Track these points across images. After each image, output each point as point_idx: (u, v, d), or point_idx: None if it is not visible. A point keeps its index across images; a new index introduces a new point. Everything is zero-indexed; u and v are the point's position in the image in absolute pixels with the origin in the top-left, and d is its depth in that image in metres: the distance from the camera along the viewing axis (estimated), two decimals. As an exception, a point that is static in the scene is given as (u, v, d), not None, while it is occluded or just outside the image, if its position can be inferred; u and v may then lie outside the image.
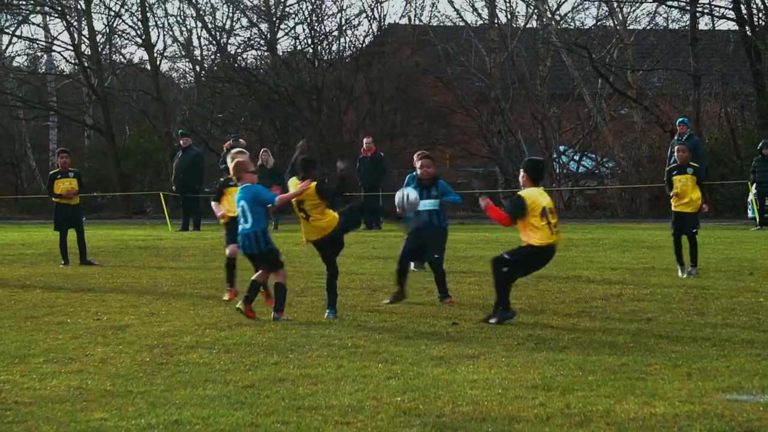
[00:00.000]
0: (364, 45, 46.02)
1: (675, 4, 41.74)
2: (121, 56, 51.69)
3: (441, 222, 14.54)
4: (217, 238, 26.36)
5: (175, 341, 11.37)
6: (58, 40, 56.72)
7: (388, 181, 31.46)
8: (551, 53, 43.68)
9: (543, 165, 13.35)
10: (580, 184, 42.24)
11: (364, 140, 31.16)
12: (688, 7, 39.93)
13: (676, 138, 29.63)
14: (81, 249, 20.83)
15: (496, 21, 45.20)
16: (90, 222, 32.26)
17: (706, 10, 40.82)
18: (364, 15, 48.87)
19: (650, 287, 15.73)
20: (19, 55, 61.49)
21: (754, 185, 29.36)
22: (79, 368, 9.94)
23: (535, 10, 44.62)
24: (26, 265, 20.66)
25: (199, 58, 50.84)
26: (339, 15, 47.17)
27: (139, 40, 47.49)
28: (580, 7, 59.24)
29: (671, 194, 17.27)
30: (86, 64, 46.94)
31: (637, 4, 43.05)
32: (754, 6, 38.98)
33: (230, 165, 14.51)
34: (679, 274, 17.03)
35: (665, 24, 44.57)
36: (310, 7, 46.02)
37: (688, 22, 40.80)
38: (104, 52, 48.64)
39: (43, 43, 50.83)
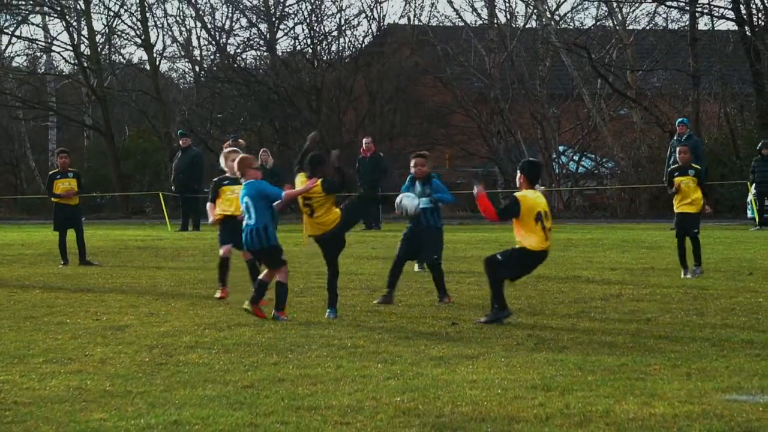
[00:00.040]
0: (363, 45, 46.05)
1: (674, 4, 41.78)
2: (120, 56, 51.77)
3: (435, 222, 14.52)
4: (216, 238, 26.34)
5: (174, 341, 11.36)
6: (58, 40, 57.00)
7: (387, 181, 31.48)
8: (550, 53, 43.68)
9: (540, 166, 13.34)
10: (579, 185, 42.25)
11: (364, 140, 31.16)
12: (688, 7, 39.94)
13: (675, 138, 29.64)
14: (80, 249, 20.82)
15: (495, 21, 45.21)
16: (89, 222, 32.26)
17: (705, 10, 40.86)
18: (363, 15, 48.87)
19: (649, 287, 15.73)
20: (18, 55, 61.64)
21: (754, 185, 29.36)
22: (79, 368, 9.93)
23: (535, 10, 44.63)
24: (25, 265, 20.66)
25: (198, 58, 50.88)
26: (338, 15, 47.15)
27: (139, 41, 47.51)
28: (580, 7, 59.27)
29: (673, 190, 17.24)
30: (86, 65, 46.95)
31: (637, 4, 43.09)
32: (754, 6, 39.02)
33: (223, 164, 14.52)
34: (682, 275, 17.02)
35: (665, 24, 44.66)
36: (309, 8, 46.08)
37: (687, 23, 40.82)
38: (104, 53, 48.67)
39: (43, 44, 50.86)
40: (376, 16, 46.81)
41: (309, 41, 46.16)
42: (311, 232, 13.31)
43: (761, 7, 39.24)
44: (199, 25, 49.57)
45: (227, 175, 14.71)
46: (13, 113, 49.96)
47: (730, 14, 39.28)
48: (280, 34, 47.73)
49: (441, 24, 47.63)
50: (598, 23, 45.49)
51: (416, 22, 46.64)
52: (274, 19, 47.32)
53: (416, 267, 17.61)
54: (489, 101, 43.32)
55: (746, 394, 8.54)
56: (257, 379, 9.32)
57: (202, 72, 50.23)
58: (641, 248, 22.68)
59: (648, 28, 44.82)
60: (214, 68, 48.89)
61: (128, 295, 15.62)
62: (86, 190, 25.15)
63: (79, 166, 38.31)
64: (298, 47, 46.64)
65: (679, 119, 30.64)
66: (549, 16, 44.64)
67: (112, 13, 48.16)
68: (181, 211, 32.09)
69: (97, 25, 49.63)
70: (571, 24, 46.21)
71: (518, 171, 12.73)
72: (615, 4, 43.26)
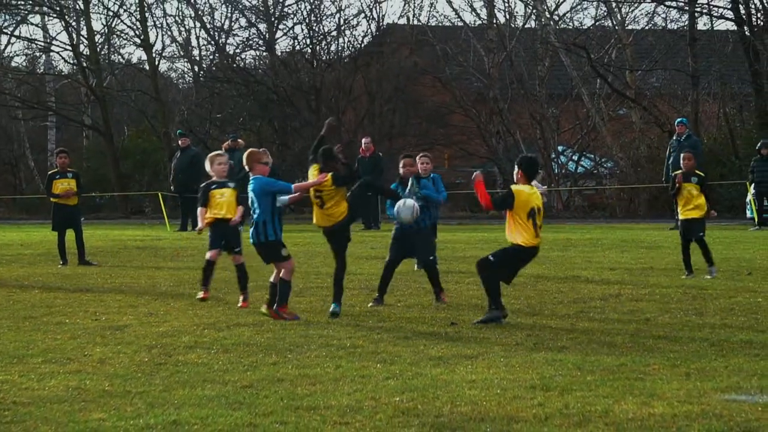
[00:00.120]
0: (362, 45, 46.04)
1: (673, 4, 41.79)
2: (119, 56, 51.81)
3: (425, 222, 14.51)
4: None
5: (173, 341, 11.36)
6: (57, 40, 56.88)
7: (385, 180, 31.46)
8: (550, 53, 43.69)
9: (537, 162, 13.36)
10: (578, 184, 42.26)
11: (363, 140, 31.14)
12: (687, 7, 39.95)
13: (674, 138, 29.67)
14: (79, 249, 20.82)
15: (494, 21, 45.24)
16: (88, 222, 32.26)
17: (704, 10, 40.86)
18: (362, 15, 48.88)
19: (649, 287, 15.73)
20: (17, 55, 61.67)
21: (753, 185, 29.37)
22: (78, 368, 9.93)
23: (534, 10, 44.64)
24: (25, 265, 20.65)
25: (197, 58, 50.89)
26: (337, 15, 47.12)
27: (138, 40, 47.52)
28: (579, 7, 59.24)
29: (673, 191, 17.22)
30: (85, 65, 46.95)
31: (636, 4, 43.10)
32: (753, 6, 39.05)
33: (209, 168, 14.52)
34: (684, 276, 17.02)
35: (664, 24, 44.67)
36: (308, 8, 46.09)
37: (686, 22, 40.83)
38: (103, 52, 48.68)
39: (42, 43, 50.85)
40: (375, 16, 46.88)
41: (308, 41, 46.21)
42: (321, 223, 13.48)
43: (760, 7, 39.26)
44: (198, 25, 49.65)
45: (214, 179, 14.65)
46: (12, 113, 49.97)
47: (729, 14, 39.30)
48: (279, 34, 47.79)
49: (440, 24, 47.66)
50: (597, 23, 45.54)
51: (415, 22, 46.69)
52: (273, 19, 47.32)
53: (416, 266, 17.61)
54: (488, 101, 43.33)
55: (745, 393, 8.54)
56: (256, 379, 9.32)
57: (201, 72, 50.24)
58: (640, 248, 22.68)
59: (647, 28, 44.85)
60: (213, 68, 48.89)
61: (127, 295, 15.62)
62: (85, 190, 25.15)
63: (78, 166, 38.31)
64: (298, 47, 46.69)
65: (679, 119, 30.66)
66: (548, 16, 44.66)
67: (111, 13, 48.23)
68: (180, 211, 32.07)
69: (97, 25, 49.59)
70: (570, 24, 46.27)
71: (516, 166, 12.74)
72: (614, 4, 43.28)
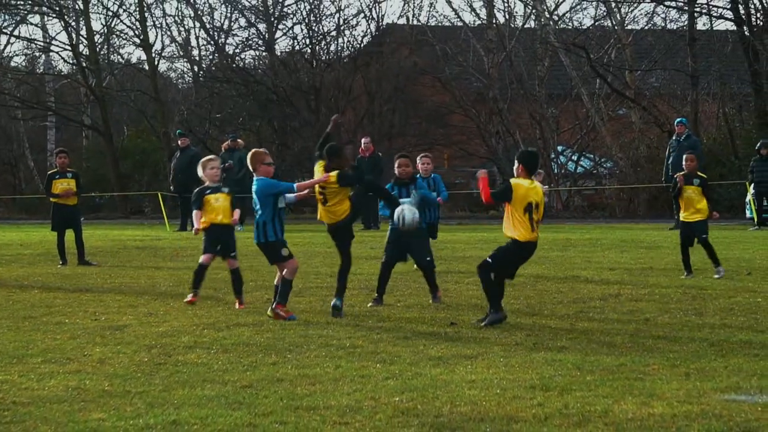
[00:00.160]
0: (362, 45, 46.04)
1: (673, 4, 41.78)
2: (119, 56, 51.79)
3: (421, 223, 14.51)
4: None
5: (173, 341, 11.36)
6: (56, 40, 56.85)
7: (384, 181, 31.45)
8: (549, 53, 43.70)
9: (537, 156, 13.38)
10: (578, 185, 42.26)
11: (362, 140, 31.16)
12: (686, 7, 39.95)
13: (674, 138, 29.69)
14: (79, 249, 20.83)
15: (494, 21, 45.23)
16: (88, 222, 32.24)
17: (704, 10, 40.85)
18: (362, 15, 48.91)
19: (648, 287, 15.73)
20: (17, 55, 61.68)
21: (752, 185, 29.37)
22: (77, 368, 9.93)
23: (533, 10, 44.64)
24: (24, 265, 20.65)
25: (197, 58, 50.88)
26: (337, 15, 47.10)
27: (137, 40, 47.50)
28: (578, 7, 59.21)
29: (678, 186, 17.20)
30: (84, 64, 46.94)
31: (635, 5, 43.09)
32: (752, 6, 39.04)
33: (201, 173, 14.48)
34: (683, 276, 17.02)
35: (663, 24, 44.65)
36: (308, 7, 46.07)
37: (686, 23, 40.83)
38: (102, 52, 48.67)
39: (41, 43, 50.83)
40: (374, 16, 46.86)
41: (308, 41, 46.19)
42: (324, 219, 13.62)
43: (760, 7, 39.26)
44: (197, 24, 49.64)
45: (207, 184, 14.60)
46: (11, 113, 49.95)
47: (729, 14, 39.29)
48: (278, 34, 47.77)
49: (440, 24, 47.66)
50: (596, 23, 45.53)
51: (415, 22, 46.70)
52: (272, 19, 47.31)
53: (415, 265, 17.61)
54: (488, 101, 43.33)
55: (745, 394, 8.55)
56: (256, 379, 9.33)
57: (201, 72, 50.23)
58: (640, 248, 22.68)
59: (646, 28, 44.84)
60: (213, 68, 48.88)
61: (127, 295, 15.62)
62: (85, 190, 25.15)
63: (78, 166, 38.31)
64: (297, 47, 46.67)
65: (678, 119, 30.69)
66: (547, 16, 44.67)
67: (110, 13, 48.23)
68: (180, 211, 32.06)
69: (96, 25, 49.64)
70: (570, 24, 46.28)
71: (515, 161, 12.73)
72: (613, 4, 43.28)
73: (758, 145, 29.84)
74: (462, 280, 16.88)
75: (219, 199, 14.42)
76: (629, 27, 44.22)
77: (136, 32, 47.39)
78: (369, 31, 46.49)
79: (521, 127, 42.89)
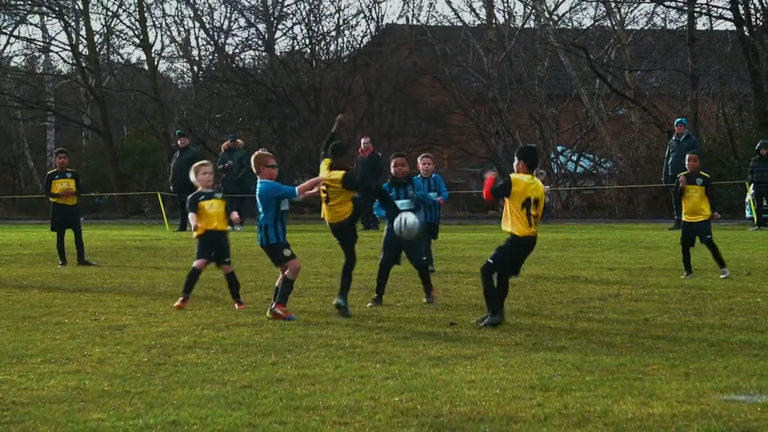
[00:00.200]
0: (361, 45, 46.04)
1: (673, 4, 41.78)
2: (118, 56, 51.79)
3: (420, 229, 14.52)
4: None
5: (172, 341, 11.36)
6: (56, 40, 56.87)
7: (383, 181, 31.46)
8: (549, 53, 43.71)
9: (537, 152, 13.38)
10: (577, 185, 42.26)
11: (362, 140, 31.15)
12: (686, 8, 39.95)
13: (673, 138, 29.70)
14: (79, 249, 20.83)
15: (493, 21, 45.23)
16: (88, 222, 32.24)
17: (703, 11, 40.87)
18: (361, 15, 48.94)
19: (648, 287, 15.73)
20: (16, 55, 61.77)
21: (752, 185, 29.37)
22: (77, 368, 9.93)
23: (533, 11, 44.65)
24: (24, 266, 20.65)
25: (196, 58, 50.89)
26: (337, 15, 47.09)
27: (137, 41, 47.51)
28: (578, 7, 59.26)
29: (680, 187, 17.19)
30: (84, 65, 46.94)
31: (635, 5, 43.09)
32: (752, 6, 39.05)
33: (194, 178, 14.45)
34: (683, 276, 17.01)
35: (663, 24, 44.66)
36: (307, 8, 46.08)
37: (685, 23, 40.85)
38: (102, 53, 48.67)
39: (41, 44, 50.83)
40: (374, 16, 46.86)
41: (307, 41, 46.20)
42: (327, 217, 13.66)
43: (759, 7, 39.26)
44: (197, 25, 49.68)
45: (201, 189, 14.53)
46: (11, 113, 49.96)
47: (729, 14, 39.30)
48: (278, 34, 47.78)
49: (439, 24, 47.66)
50: (596, 23, 45.53)
51: (414, 23, 46.70)
52: (272, 19, 47.32)
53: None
54: (487, 101, 43.34)
55: (744, 394, 8.55)
56: (255, 379, 9.33)
57: (201, 72, 50.23)
58: (639, 248, 22.69)
59: (646, 28, 44.85)
60: (213, 68, 48.88)
61: (126, 295, 15.62)
62: (84, 190, 25.15)
63: (78, 166, 38.33)
64: (297, 47, 46.68)
65: (678, 119, 30.70)
66: (547, 16, 44.67)
67: (110, 13, 48.26)
68: (180, 211, 32.07)
69: (96, 25, 49.79)
70: (570, 24, 46.27)
71: (515, 158, 12.71)
72: (613, 5, 43.29)
73: (758, 145, 29.85)
74: (462, 280, 16.88)
75: (213, 206, 14.33)
76: (629, 27, 44.25)
77: (136, 32, 47.42)
78: (369, 31, 46.55)
79: (521, 127, 42.90)
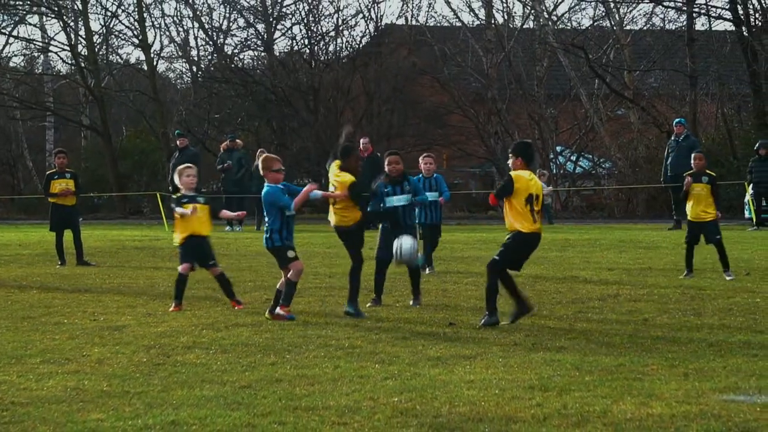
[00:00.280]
0: (360, 45, 46.03)
1: (672, 4, 41.78)
2: (117, 57, 51.78)
3: (412, 221, 14.53)
4: (214, 239, 26.31)
5: (172, 342, 11.36)
6: (55, 40, 56.67)
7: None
8: (548, 54, 43.72)
9: (533, 146, 13.39)
10: (577, 185, 42.27)
11: (361, 141, 31.12)
12: (685, 8, 39.95)
13: (672, 138, 29.71)
14: (77, 249, 20.83)
15: (493, 21, 45.23)
16: (87, 222, 32.23)
17: (702, 11, 40.87)
18: (360, 15, 48.92)
19: (647, 288, 15.74)
20: (15, 55, 61.59)
21: (751, 186, 29.37)
22: (76, 369, 9.93)
23: (532, 11, 44.65)
24: (23, 266, 20.65)
25: (195, 58, 50.89)
26: (336, 15, 47.04)
27: (136, 41, 47.48)
28: (577, 7, 59.29)
29: (683, 192, 17.17)
30: (83, 65, 46.92)
31: (634, 5, 43.10)
32: (751, 6, 39.04)
33: (177, 181, 14.43)
34: (682, 276, 17.01)
35: (662, 24, 44.67)
36: (306, 8, 46.08)
37: (684, 23, 40.85)
38: (101, 53, 48.64)
39: (40, 44, 50.79)
40: (373, 16, 46.86)
41: (306, 41, 46.19)
42: (333, 220, 13.70)
43: (758, 7, 39.26)
44: (196, 25, 49.68)
45: (184, 192, 14.50)
46: (10, 113, 49.92)
47: (728, 14, 39.32)
48: (277, 34, 47.77)
49: (438, 24, 47.66)
50: (595, 23, 45.55)
51: (414, 23, 46.68)
52: (271, 20, 47.31)
53: (427, 270, 17.69)
54: (486, 101, 43.35)
55: (744, 394, 8.55)
56: (255, 380, 9.33)
57: (200, 72, 50.22)
58: (639, 248, 22.69)
59: (645, 28, 44.87)
60: (212, 68, 48.88)
61: (126, 296, 15.62)
62: (84, 191, 25.14)
63: (77, 166, 38.31)
64: (296, 47, 46.68)
65: (677, 119, 30.70)
66: (546, 16, 44.68)
67: (109, 14, 48.23)
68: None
69: (95, 26, 49.78)
70: (569, 24, 46.29)
71: (510, 156, 12.70)
72: (612, 5, 43.30)
73: (757, 145, 29.85)
74: (461, 280, 16.88)
75: (195, 210, 14.30)
76: (628, 27, 44.26)
77: (135, 32, 47.40)
78: (368, 31, 46.54)
79: (520, 127, 42.90)
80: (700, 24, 43.70)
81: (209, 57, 49.90)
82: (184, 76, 53.51)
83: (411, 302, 14.28)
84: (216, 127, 45.46)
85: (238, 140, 34.09)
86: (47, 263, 21.02)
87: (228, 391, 8.91)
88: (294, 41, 46.97)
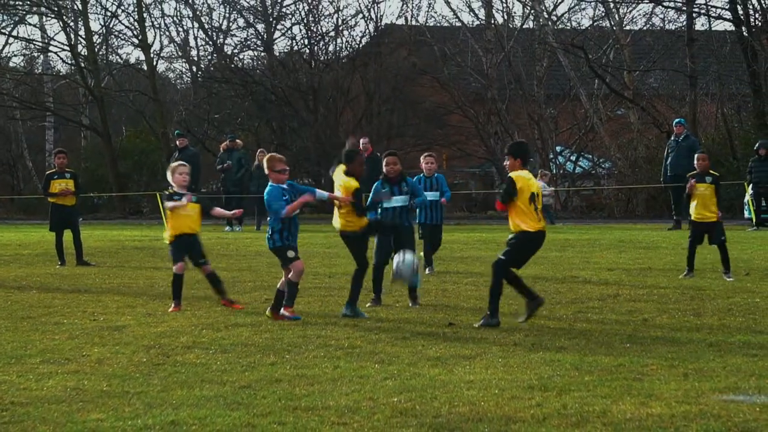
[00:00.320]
0: (360, 45, 46.06)
1: (671, 4, 41.79)
2: (117, 57, 51.79)
3: (409, 221, 14.53)
4: (213, 239, 26.36)
5: (171, 342, 11.36)
6: (55, 40, 56.72)
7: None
8: (548, 54, 43.72)
9: (526, 144, 13.40)
10: (576, 185, 42.27)
11: (361, 141, 31.11)
12: (685, 8, 39.95)
13: (672, 139, 29.70)
14: (77, 250, 20.83)
15: (492, 21, 45.24)
16: (86, 222, 32.23)
17: (702, 11, 40.86)
18: (360, 15, 48.95)
19: (647, 288, 15.74)
20: (15, 55, 61.62)
21: (751, 186, 29.37)
22: (76, 369, 9.93)
23: (532, 11, 44.66)
24: (23, 266, 20.65)
25: (195, 58, 50.94)
26: (336, 15, 47.07)
27: (136, 41, 47.49)
28: (577, 7, 59.29)
29: (686, 193, 17.16)
30: (83, 65, 46.92)
31: (634, 5, 43.10)
32: (751, 6, 39.03)
33: (170, 178, 14.43)
34: (682, 275, 17.00)
35: (662, 25, 44.67)
36: (306, 8, 46.10)
37: (684, 23, 40.84)
38: (101, 53, 48.64)
39: (40, 44, 50.81)
40: (373, 16, 46.93)
41: (306, 41, 46.21)
42: (338, 225, 13.70)
43: (758, 7, 39.26)
44: (196, 25, 49.71)
45: (176, 189, 14.50)
46: (10, 113, 49.93)
47: (727, 15, 39.31)
48: (277, 34, 47.81)
49: (438, 24, 47.67)
50: (595, 24, 45.54)
51: (413, 23, 46.70)
52: (271, 20, 47.33)
53: (427, 270, 17.70)
54: (486, 101, 43.36)
55: (743, 394, 8.55)
56: (254, 380, 9.33)
57: (200, 72, 50.25)
58: (638, 248, 22.68)
59: (645, 28, 44.88)
60: (212, 68, 48.91)
61: (125, 296, 15.62)
62: (83, 191, 25.13)
63: (76, 166, 38.30)
64: (296, 47, 46.70)
65: (677, 120, 30.69)
66: (546, 16, 44.68)
67: (109, 14, 48.26)
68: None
69: (95, 26, 49.79)
70: (568, 24, 46.31)
71: (507, 157, 12.70)
72: (612, 5, 43.30)
73: (756, 145, 29.84)
74: (460, 280, 16.88)
75: (186, 209, 14.30)
76: (627, 27, 44.27)
77: (135, 33, 47.41)
78: (367, 31, 46.56)
79: (520, 127, 42.91)
80: (700, 24, 43.75)
81: (209, 57, 49.97)
82: (184, 76, 53.61)
83: (410, 303, 14.27)
84: (216, 127, 45.47)
85: (237, 140, 34.10)
86: (47, 263, 21.02)
87: (228, 391, 8.91)
88: (294, 41, 47.05)
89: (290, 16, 47.37)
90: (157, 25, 49.80)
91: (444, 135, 45.21)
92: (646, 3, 42.04)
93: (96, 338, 11.70)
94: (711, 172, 17.29)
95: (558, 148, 43.14)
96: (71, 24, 47.77)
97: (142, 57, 47.93)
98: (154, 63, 47.72)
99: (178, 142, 32.40)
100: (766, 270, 17.98)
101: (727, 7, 39.06)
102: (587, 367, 9.68)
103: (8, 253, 23.82)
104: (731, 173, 35.23)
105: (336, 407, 8.25)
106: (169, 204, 14.24)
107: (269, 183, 13.28)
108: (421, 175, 18.11)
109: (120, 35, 49.66)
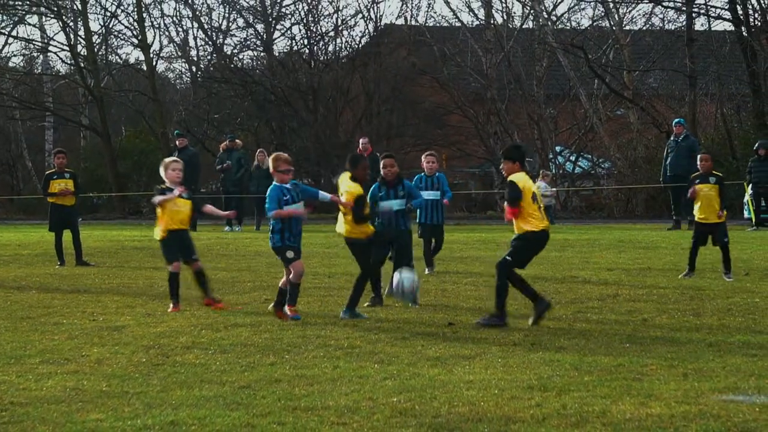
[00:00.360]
0: (360, 45, 46.08)
1: (671, 4, 41.80)
2: (117, 57, 51.78)
3: (406, 225, 14.53)
4: (213, 239, 26.36)
5: (171, 342, 11.36)
6: (54, 40, 56.66)
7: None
8: (547, 54, 43.72)
9: (521, 146, 13.42)
10: (576, 185, 42.28)
11: (361, 141, 31.13)
12: (684, 8, 39.96)
13: (672, 139, 29.71)
14: (77, 250, 20.82)
15: (492, 21, 45.23)
16: (86, 222, 32.22)
17: (702, 11, 40.87)
18: (360, 15, 48.94)
19: (646, 288, 15.74)
20: (15, 55, 61.59)
21: (750, 186, 29.37)
22: (75, 369, 9.93)
23: (531, 11, 44.66)
24: (22, 266, 20.64)
25: (195, 58, 50.93)
26: (335, 15, 47.10)
27: (135, 41, 47.48)
28: (576, 7, 59.28)
29: (689, 196, 17.16)
30: (82, 65, 46.91)
31: (633, 5, 43.10)
32: (750, 7, 39.05)
33: (163, 174, 14.40)
34: (681, 275, 16.99)
35: (661, 25, 44.68)
36: (306, 8, 46.11)
37: (684, 23, 40.85)
38: (100, 53, 48.63)
39: (39, 44, 50.80)
40: (372, 16, 46.93)
41: (306, 41, 46.23)
42: (343, 230, 13.72)
43: (758, 7, 39.28)
44: (195, 25, 49.68)
45: (168, 185, 14.46)
46: (9, 114, 49.92)
47: (727, 15, 39.32)
48: (276, 34, 47.82)
49: (438, 24, 47.67)
50: (594, 24, 45.54)
51: (413, 23, 46.70)
52: (270, 20, 47.34)
53: (427, 271, 17.70)
54: (486, 102, 43.35)
55: (743, 394, 8.55)
56: (254, 380, 9.33)
57: (199, 72, 50.24)
58: (638, 248, 22.68)
59: (645, 28, 44.87)
60: (211, 68, 48.91)
61: (125, 296, 15.62)
62: (83, 191, 25.12)
63: (76, 166, 38.31)
64: (295, 47, 46.72)
65: (676, 120, 30.70)
66: (546, 16, 44.68)
67: (108, 14, 48.26)
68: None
69: (94, 26, 49.76)
70: (568, 24, 46.31)
71: (504, 161, 12.70)
72: (611, 5, 43.30)
73: (756, 145, 29.85)
74: (460, 280, 16.88)
75: (178, 204, 14.25)
76: (627, 27, 44.28)
77: (134, 33, 47.41)
78: (367, 31, 46.58)
79: (519, 127, 42.92)
80: (700, 24, 43.76)
81: (208, 57, 49.97)
82: (184, 76, 53.61)
83: (410, 303, 14.27)
84: (215, 127, 45.47)
85: (237, 140, 34.10)
86: (46, 263, 21.01)
87: (227, 391, 8.91)
88: (293, 41, 47.06)
89: (290, 16, 47.43)
90: (157, 25, 49.95)
91: (443, 135, 45.21)
92: (646, 3, 42.09)
93: (95, 338, 11.70)
94: (714, 172, 17.26)
95: (557, 148, 43.15)
96: (71, 24, 47.79)
97: (142, 57, 47.96)
98: (154, 63, 47.76)
99: (177, 142, 32.40)
100: (766, 270, 17.99)
101: (726, 7, 39.10)
102: (587, 367, 9.68)
103: (8, 253, 23.82)
104: (731, 173, 35.17)
105: (335, 407, 8.25)
106: (157, 198, 14.19)
107: (273, 183, 13.30)
108: (422, 174, 18.11)
109: (119, 35, 49.72)
